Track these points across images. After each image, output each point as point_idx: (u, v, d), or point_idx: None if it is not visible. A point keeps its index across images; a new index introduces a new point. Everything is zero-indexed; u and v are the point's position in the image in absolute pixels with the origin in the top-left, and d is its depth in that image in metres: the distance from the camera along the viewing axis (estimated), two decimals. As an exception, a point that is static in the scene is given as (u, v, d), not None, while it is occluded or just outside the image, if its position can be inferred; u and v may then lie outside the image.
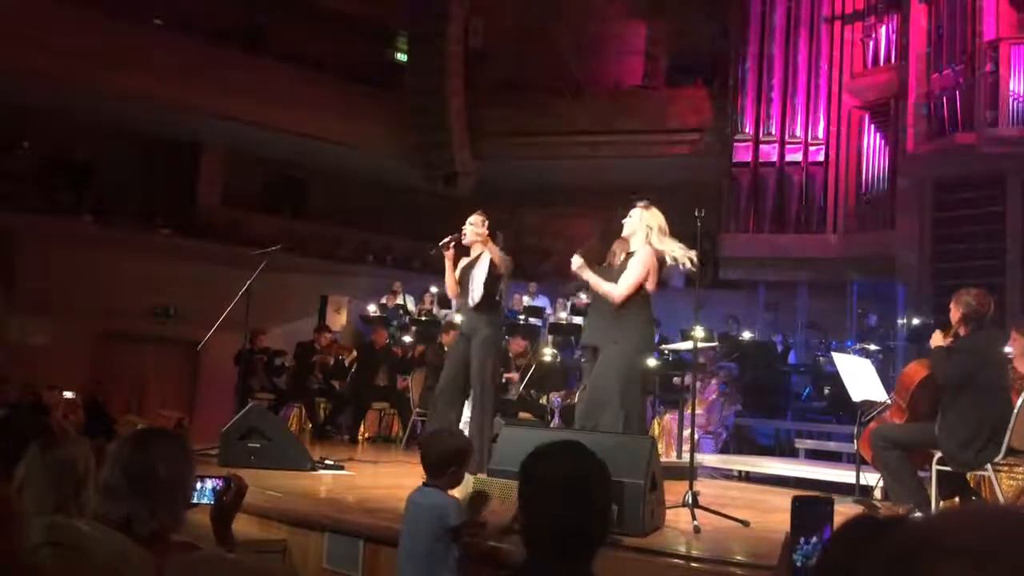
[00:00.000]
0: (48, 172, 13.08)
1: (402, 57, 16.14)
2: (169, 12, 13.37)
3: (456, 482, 3.55)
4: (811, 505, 1.94)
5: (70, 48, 11.53)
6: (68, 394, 7.60)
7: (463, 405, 5.62)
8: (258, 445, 5.54)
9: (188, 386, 12.15)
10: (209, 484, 2.47)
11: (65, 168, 13.36)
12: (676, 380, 8.27)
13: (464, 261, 5.72)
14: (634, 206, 5.06)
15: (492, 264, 5.52)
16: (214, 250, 12.53)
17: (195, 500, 2.42)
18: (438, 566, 3.23)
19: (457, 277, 5.67)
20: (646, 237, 4.94)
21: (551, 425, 7.95)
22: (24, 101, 12.30)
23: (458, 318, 5.98)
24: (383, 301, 12.39)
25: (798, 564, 1.84)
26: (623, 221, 5.06)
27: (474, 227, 5.63)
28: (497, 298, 5.62)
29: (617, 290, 4.83)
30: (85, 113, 12.81)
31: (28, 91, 11.96)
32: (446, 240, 5.63)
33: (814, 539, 1.85)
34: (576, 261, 4.98)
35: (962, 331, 4.70)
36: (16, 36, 11.07)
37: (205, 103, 12.84)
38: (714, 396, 8.24)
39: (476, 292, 5.53)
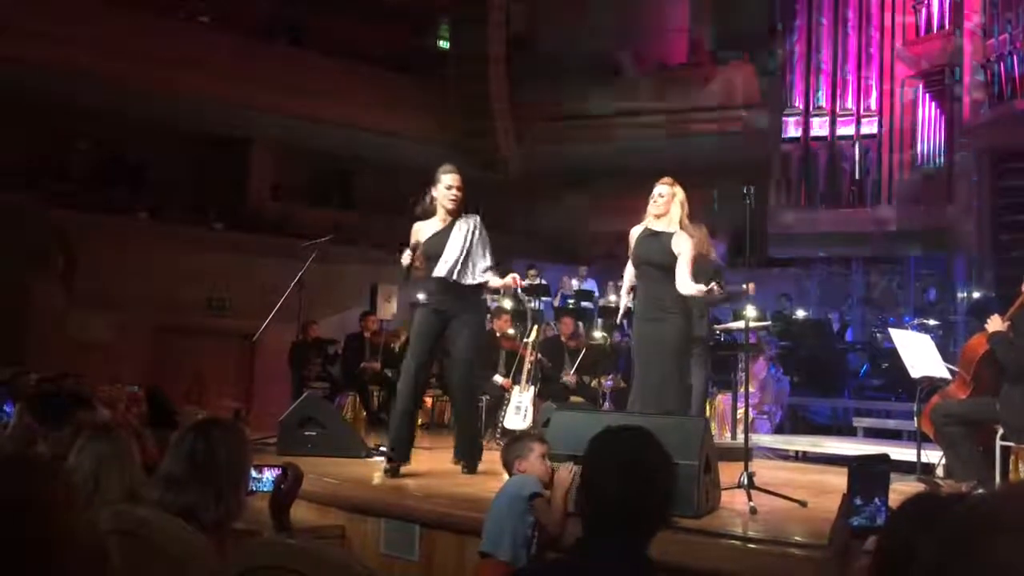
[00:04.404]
0: (103, 171, 13.42)
1: (444, 44, 16.15)
2: (215, 10, 13.57)
3: (540, 473, 3.57)
4: (869, 465, 1.90)
5: (122, 49, 11.78)
6: (131, 388, 7.78)
7: (426, 385, 5.17)
8: (314, 433, 5.62)
9: (245, 377, 12.37)
10: (267, 474, 2.52)
11: (120, 167, 13.69)
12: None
13: (432, 228, 4.95)
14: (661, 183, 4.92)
15: (476, 234, 4.92)
16: (266, 243, 12.73)
17: (254, 489, 2.47)
18: (514, 524, 3.35)
19: (424, 249, 4.91)
20: (680, 218, 4.86)
21: (603, 409, 7.93)
22: (78, 102, 12.60)
23: (421, 295, 5.19)
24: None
25: (854, 524, 1.81)
26: (656, 200, 4.88)
27: (460, 192, 4.93)
28: (484, 274, 4.94)
29: (687, 286, 4.60)
30: (138, 113, 13.08)
31: (82, 92, 12.25)
32: (408, 254, 4.83)
33: (875, 501, 1.82)
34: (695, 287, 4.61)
35: (1029, 302, 4.62)
36: (69, 38, 11.34)
37: (253, 99, 13.03)
38: (764, 374, 8.13)
39: (448, 263, 4.86)
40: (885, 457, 1.96)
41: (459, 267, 4.86)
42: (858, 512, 1.81)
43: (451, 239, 4.88)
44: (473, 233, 4.92)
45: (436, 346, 4.99)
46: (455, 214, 4.96)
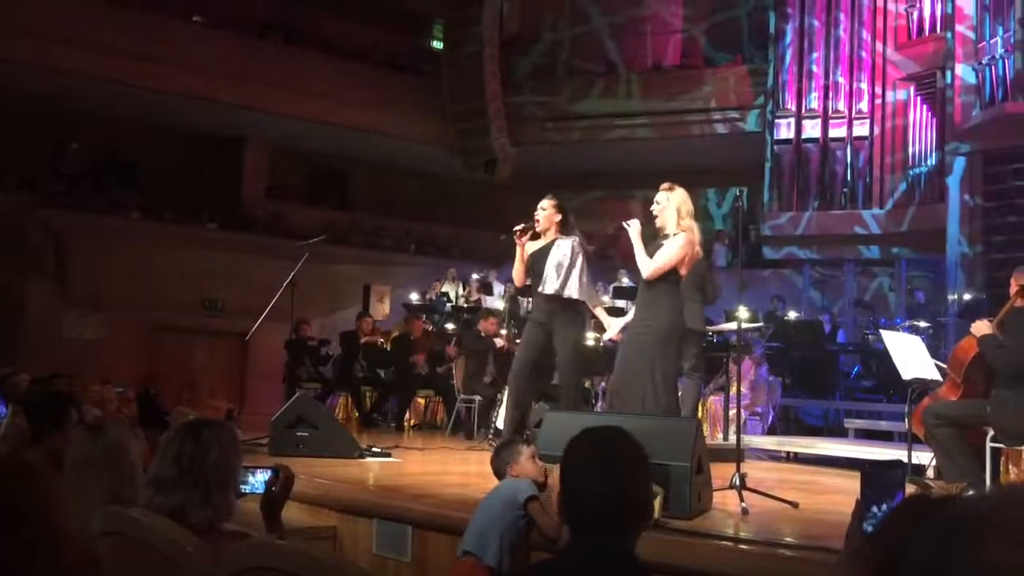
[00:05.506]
0: (98, 171, 13.38)
1: (438, 45, 16.15)
2: (209, 10, 13.54)
3: (534, 474, 3.58)
4: (883, 470, 1.91)
5: (115, 48, 11.75)
6: (118, 389, 7.77)
7: (535, 391, 5.63)
8: (306, 434, 5.61)
9: (237, 377, 12.36)
10: (260, 476, 2.52)
11: (114, 167, 13.65)
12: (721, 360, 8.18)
13: (535, 246, 5.56)
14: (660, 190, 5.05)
15: (572, 252, 5.43)
16: (260, 243, 12.72)
17: (246, 491, 2.46)
18: (504, 528, 3.34)
19: (527, 264, 5.54)
20: (678, 220, 4.89)
21: (595, 409, 7.94)
22: (72, 103, 12.57)
23: (529, 310, 5.90)
24: (441, 286, 12.49)
25: (868, 530, 1.81)
26: (652, 208, 5.02)
27: (546, 212, 5.56)
28: (577, 290, 5.44)
29: (649, 266, 4.82)
30: (131, 113, 13.06)
31: (76, 93, 12.22)
32: (519, 228, 5.51)
33: (886, 507, 1.82)
34: (634, 224, 4.97)
35: (1019, 303, 4.63)
36: (63, 38, 11.31)
37: (247, 98, 13.01)
38: (752, 374, 8.14)
39: (551, 280, 5.41)
40: (899, 463, 1.96)
41: (555, 282, 5.38)
42: (871, 517, 1.82)
43: (549, 257, 5.43)
44: (570, 252, 5.44)
45: (539, 356, 5.51)
46: (545, 234, 5.57)
